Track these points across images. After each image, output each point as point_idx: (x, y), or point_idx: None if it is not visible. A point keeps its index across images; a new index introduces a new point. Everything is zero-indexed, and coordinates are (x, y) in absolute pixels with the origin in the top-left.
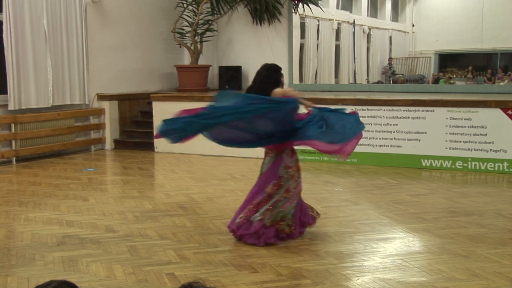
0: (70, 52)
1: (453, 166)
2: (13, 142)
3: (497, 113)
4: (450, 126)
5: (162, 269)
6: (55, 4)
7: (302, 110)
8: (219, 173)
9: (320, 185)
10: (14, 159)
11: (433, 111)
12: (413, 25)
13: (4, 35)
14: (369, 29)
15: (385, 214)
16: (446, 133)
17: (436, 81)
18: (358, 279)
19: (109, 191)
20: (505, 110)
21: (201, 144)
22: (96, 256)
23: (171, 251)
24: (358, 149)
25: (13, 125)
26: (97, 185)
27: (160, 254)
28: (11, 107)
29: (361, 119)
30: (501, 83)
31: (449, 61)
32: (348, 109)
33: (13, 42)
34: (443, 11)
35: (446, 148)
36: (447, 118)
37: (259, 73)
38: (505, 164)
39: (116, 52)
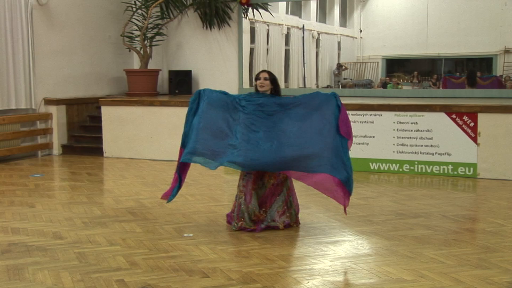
0: (16, 55)
1: (401, 169)
2: None
3: (442, 117)
4: (397, 130)
5: (111, 276)
6: None
7: None
8: (169, 177)
9: None
10: None
11: (381, 115)
12: (361, 31)
13: None
14: (318, 34)
15: (334, 217)
16: (394, 137)
17: (383, 85)
18: (308, 282)
19: (56, 197)
20: (449, 114)
21: (151, 149)
22: (43, 264)
23: (121, 257)
24: None
25: None
26: (44, 191)
27: (110, 260)
28: None
29: None
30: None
31: (396, 66)
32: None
33: None
34: (389, 17)
35: (394, 151)
36: (394, 122)
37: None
38: (450, 167)
39: (63, 56)
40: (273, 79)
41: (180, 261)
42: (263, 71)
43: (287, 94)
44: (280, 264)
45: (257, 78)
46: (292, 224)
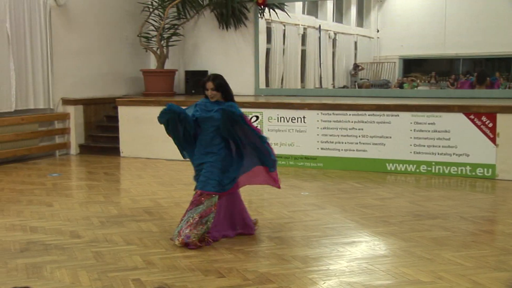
0: (34, 56)
1: (418, 170)
2: None
3: (460, 118)
4: (414, 130)
5: (128, 275)
6: (18, 7)
7: None
8: (185, 177)
9: (287, 189)
10: None
11: (398, 115)
12: (378, 31)
13: None
14: (335, 34)
15: (351, 218)
16: (411, 138)
17: (400, 86)
18: (324, 283)
19: (74, 197)
20: (467, 115)
21: (167, 149)
22: (60, 263)
23: (137, 257)
24: (324, 153)
25: None
26: (62, 190)
27: (126, 259)
28: None
29: (325, 123)
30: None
31: (413, 66)
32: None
33: None
34: (407, 17)
35: (411, 152)
36: (411, 123)
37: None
38: (468, 168)
39: (81, 56)
40: (218, 85)
41: (196, 261)
42: (208, 79)
43: (303, 94)
44: (296, 265)
45: (205, 88)
46: (190, 241)
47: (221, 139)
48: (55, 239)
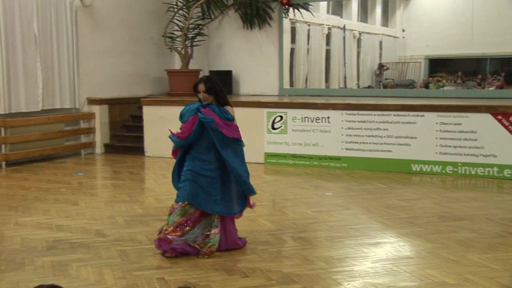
0: (61, 56)
1: (443, 171)
2: (3, 146)
3: (487, 118)
4: (440, 131)
5: (152, 274)
6: (46, 8)
7: None
8: None
9: (311, 189)
10: (3, 163)
11: (423, 115)
12: (403, 30)
13: None
14: (360, 34)
15: (376, 219)
16: (436, 138)
17: (426, 86)
18: (348, 284)
19: (99, 196)
20: (495, 115)
21: None
22: (86, 261)
23: (162, 256)
24: (348, 153)
25: (2, 129)
26: (88, 189)
27: (151, 258)
28: (0, 111)
29: (350, 123)
30: (491, 88)
31: (439, 66)
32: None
33: (3, 45)
34: (433, 16)
35: (436, 153)
36: (437, 123)
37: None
38: (495, 169)
39: (106, 56)
40: (210, 88)
41: (220, 260)
42: (200, 81)
43: (328, 94)
44: (320, 265)
45: (197, 91)
46: (205, 249)
47: (217, 149)
48: (81, 237)
